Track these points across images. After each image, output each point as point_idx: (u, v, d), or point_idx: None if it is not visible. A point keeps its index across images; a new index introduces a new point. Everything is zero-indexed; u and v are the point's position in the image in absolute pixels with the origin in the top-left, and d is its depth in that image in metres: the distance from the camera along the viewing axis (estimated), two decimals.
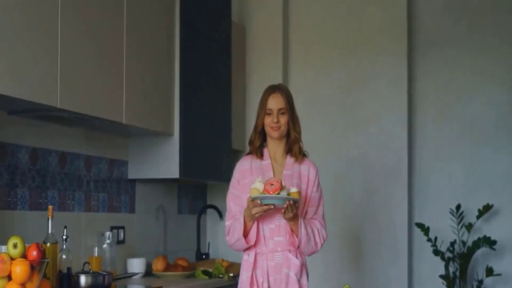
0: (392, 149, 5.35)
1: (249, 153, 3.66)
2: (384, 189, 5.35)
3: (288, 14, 5.61)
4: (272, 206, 3.34)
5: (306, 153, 3.67)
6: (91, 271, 3.68)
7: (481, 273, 5.19)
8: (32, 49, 3.17)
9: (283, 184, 3.33)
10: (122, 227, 4.48)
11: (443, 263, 5.13)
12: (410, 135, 5.41)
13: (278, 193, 3.30)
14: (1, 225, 3.46)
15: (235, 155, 5.37)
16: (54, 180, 3.86)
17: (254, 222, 3.48)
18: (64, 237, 3.59)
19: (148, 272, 4.49)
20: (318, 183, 3.67)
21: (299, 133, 3.61)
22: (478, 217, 5.12)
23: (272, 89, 3.61)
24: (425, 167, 5.45)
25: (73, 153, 4.02)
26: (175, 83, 4.43)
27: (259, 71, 5.48)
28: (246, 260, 3.55)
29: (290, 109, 3.57)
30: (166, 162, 4.42)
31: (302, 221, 3.48)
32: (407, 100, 5.36)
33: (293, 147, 3.61)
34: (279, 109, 3.56)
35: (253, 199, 3.35)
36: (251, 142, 3.64)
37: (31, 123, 3.67)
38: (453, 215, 5.19)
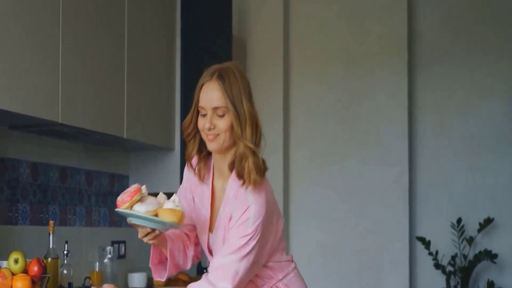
0: (393, 163, 5.36)
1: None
2: (385, 203, 5.35)
3: (288, 28, 5.63)
4: (141, 228, 2.36)
5: (258, 177, 2.35)
6: (92, 286, 3.67)
7: (482, 286, 5.18)
8: (33, 64, 3.17)
9: (143, 192, 2.35)
10: (123, 242, 4.47)
11: (444, 277, 5.13)
12: (410, 148, 5.42)
13: (130, 208, 2.33)
14: (2, 240, 3.45)
15: None
16: (55, 194, 3.86)
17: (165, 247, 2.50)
18: (65, 252, 3.59)
19: (149, 287, 4.49)
20: (248, 222, 2.36)
21: (254, 141, 2.35)
22: (479, 230, 5.12)
23: (209, 74, 2.44)
24: (425, 180, 5.45)
25: (74, 167, 4.02)
26: (176, 98, 4.44)
27: (260, 85, 5.49)
28: None
29: (234, 106, 2.34)
30: (167, 176, 4.42)
31: None
32: (407, 113, 5.37)
33: (240, 164, 2.36)
34: (215, 108, 2.36)
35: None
36: (188, 155, 2.49)
37: (32, 138, 3.67)
38: (454, 228, 5.19)
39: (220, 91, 2.35)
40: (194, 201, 2.53)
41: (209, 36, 4.82)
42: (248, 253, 2.34)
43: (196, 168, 2.49)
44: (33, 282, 2.84)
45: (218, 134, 2.35)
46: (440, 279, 5.20)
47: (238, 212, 2.36)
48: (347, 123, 5.50)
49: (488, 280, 5.10)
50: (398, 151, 5.35)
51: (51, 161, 3.83)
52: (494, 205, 5.26)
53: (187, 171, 2.55)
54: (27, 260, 2.91)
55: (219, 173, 2.47)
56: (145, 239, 2.38)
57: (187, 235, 2.60)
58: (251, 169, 2.33)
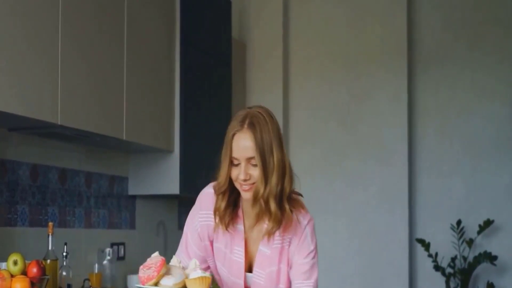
0: (393, 165, 5.36)
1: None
2: (385, 205, 5.35)
3: (288, 30, 5.63)
4: None
5: (293, 209, 2.41)
6: None
7: None
8: (33, 66, 3.18)
9: (168, 266, 2.23)
10: (123, 244, 4.47)
11: (444, 279, 5.13)
12: (410, 150, 5.42)
13: (157, 283, 2.20)
14: (1, 242, 3.46)
15: None
16: (54, 196, 3.86)
17: None
18: (64, 253, 3.59)
19: None
20: (304, 248, 2.50)
21: (280, 189, 2.32)
22: (479, 232, 5.12)
23: (239, 123, 2.36)
24: (425, 182, 5.45)
25: (74, 169, 4.03)
26: (176, 100, 4.44)
27: (260, 87, 5.50)
28: None
29: (263, 155, 2.29)
30: (167, 178, 4.42)
31: None
32: (407, 115, 5.37)
33: (272, 209, 2.34)
34: (249, 159, 2.32)
35: None
36: (217, 209, 2.40)
37: (32, 139, 3.68)
38: (454, 230, 5.19)
39: (252, 141, 2.29)
40: (212, 245, 2.47)
41: (209, 38, 4.82)
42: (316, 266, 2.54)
43: (226, 219, 2.39)
44: (32, 283, 2.85)
45: (253, 183, 2.31)
46: (440, 281, 5.20)
47: (296, 237, 2.43)
48: (347, 125, 5.50)
49: (488, 282, 5.10)
50: (398, 153, 5.36)
51: (50, 163, 3.83)
52: (494, 207, 5.26)
53: (201, 218, 2.46)
54: (26, 261, 2.91)
55: (249, 215, 2.43)
56: None
57: None
58: (276, 217, 2.33)
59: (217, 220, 2.39)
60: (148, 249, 4.75)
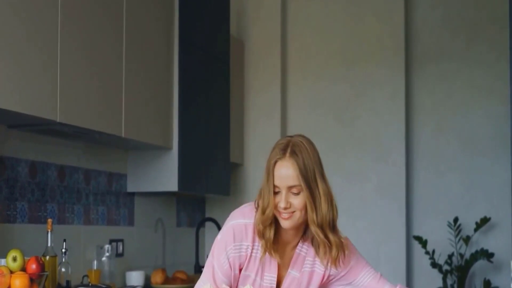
0: (390, 162, 5.37)
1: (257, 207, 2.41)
2: (382, 202, 5.36)
3: (286, 29, 5.64)
4: None
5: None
6: (90, 284, 3.69)
7: (478, 286, 5.20)
8: (32, 63, 3.19)
9: None
10: (121, 240, 4.49)
11: (441, 276, 5.15)
12: (407, 147, 5.43)
13: None
14: (1, 238, 3.47)
15: (234, 168, 5.39)
16: (53, 193, 3.87)
17: None
18: (63, 250, 3.60)
19: (147, 285, 4.50)
20: (356, 256, 2.63)
21: (331, 218, 2.43)
22: (475, 230, 5.14)
23: (281, 151, 2.34)
24: (422, 180, 5.46)
25: (72, 166, 4.04)
26: (174, 97, 4.45)
27: (258, 85, 5.51)
28: None
29: (309, 185, 2.31)
30: (165, 175, 4.43)
31: None
32: (404, 113, 5.39)
33: (326, 241, 2.42)
34: (290, 187, 2.32)
35: None
36: (260, 235, 2.38)
37: (31, 137, 3.69)
38: (451, 228, 5.21)
39: (294, 170, 2.29)
40: (239, 273, 2.47)
41: (207, 36, 4.84)
42: None
43: (268, 244, 2.37)
44: (31, 280, 2.86)
45: (293, 212, 2.33)
46: (437, 278, 5.21)
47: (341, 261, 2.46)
48: (345, 122, 5.51)
49: (485, 279, 5.12)
50: (396, 150, 5.37)
51: (49, 159, 3.84)
52: (491, 205, 5.28)
53: (235, 250, 2.44)
54: (25, 258, 2.92)
55: (284, 242, 2.45)
56: None
57: None
58: (335, 256, 2.42)
59: (264, 250, 2.38)
60: (146, 246, 4.77)
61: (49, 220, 3.42)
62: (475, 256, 5.07)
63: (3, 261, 2.92)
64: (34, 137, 3.71)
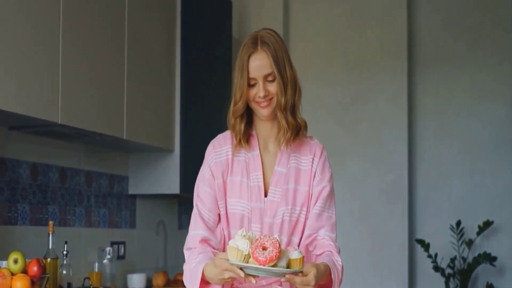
0: (392, 166, 5.36)
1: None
2: (384, 206, 5.35)
3: (288, 31, 5.64)
4: (258, 276, 2.25)
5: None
6: (91, 287, 3.68)
7: None
8: (34, 65, 3.19)
9: (283, 249, 2.24)
10: (123, 243, 4.48)
11: (443, 280, 5.13)
12: (410, 151, 5.42)
13: (275, 264, 2.20)
14: (2, 240, 3.46)
15: None
16: (55, 195, 3.87)
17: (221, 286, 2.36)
18: (65, 252, 3.60)
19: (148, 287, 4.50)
20: (326, 171, 2.56)
21: (296, 96, 2.50)
22: (478, 233, 5.12)
23: (252, 44, 2.47)
24: (425, 183, 5.45)
25: (74, 168, 4.03)
26: (176, 99, 4.45)
27: None
28: None
29: (279, 69, 2.47)
30: (167, 178, 4.43)
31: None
32: (407, 116, 5.38)
33: (285, 123, 2.47)
34: (266, 76, 2.44)
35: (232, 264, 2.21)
36: (232, 128, 2.53)
37: (32, 138, 3.68)
38: (453, 231, 5.20)
39: (268, 58, 2.44)
40: (225, 184, 2.53)
41: (209, 38, 4.83)
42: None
43: (243, 139, 2.51)
44: (32, 282, 2.85)
45: (271, 98, 2.44)
46: (439, 281, 5.20)
47: (317, 153, 2.55)
48: (347, 126, 5.50)
49: (487, 282, 5.11)
50: (398, 154, 5.36)
51: (50, 161, 3.84)
52: (494, 208, 5.27)
53: (216, 156, 2.57)
54: (27, 260, 2.92)
55: (263, 139, 2.54)
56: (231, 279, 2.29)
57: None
58: (291, 126, 2.47)
59: (236, 142, 2.51)
60: (148, 248, 4.76)
61: (51, 222, 3.41)
62: (478, 260, 5.06)
63: (4, 263, 2.92)
64: (36, 139, 3.70)
